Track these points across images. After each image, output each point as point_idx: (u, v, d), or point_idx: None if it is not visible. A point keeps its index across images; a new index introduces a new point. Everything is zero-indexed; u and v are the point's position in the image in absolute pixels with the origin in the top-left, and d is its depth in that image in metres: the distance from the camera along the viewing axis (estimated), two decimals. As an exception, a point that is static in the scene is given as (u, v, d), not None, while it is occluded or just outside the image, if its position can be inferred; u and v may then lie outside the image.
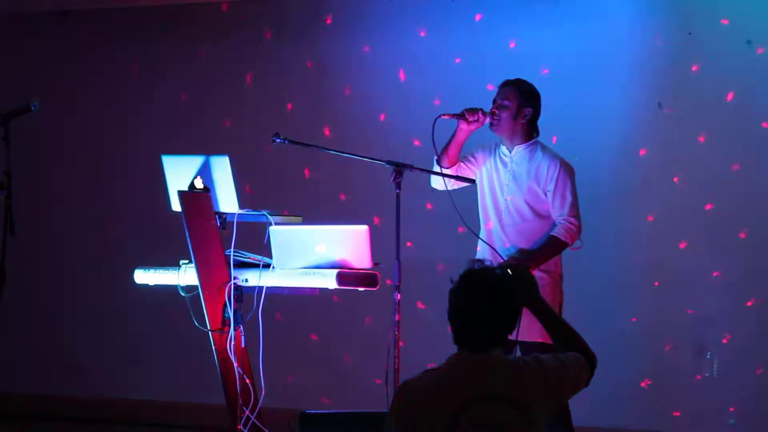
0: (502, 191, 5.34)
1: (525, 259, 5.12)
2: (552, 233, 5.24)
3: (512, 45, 6.92)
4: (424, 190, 6.54)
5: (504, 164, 5.37)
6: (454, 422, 3.13)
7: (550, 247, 5.23)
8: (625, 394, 6.60)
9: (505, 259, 5.17)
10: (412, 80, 7.13)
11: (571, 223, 5.23)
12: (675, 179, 6.64)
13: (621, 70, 6.75)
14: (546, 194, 5.28)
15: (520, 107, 5.33)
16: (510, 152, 5.37)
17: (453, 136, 5.35)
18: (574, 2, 6.84)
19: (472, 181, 5.34)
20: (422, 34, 7.14)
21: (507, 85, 5.41)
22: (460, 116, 5.30)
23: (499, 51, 6.92)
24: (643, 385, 6.63)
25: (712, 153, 6.57)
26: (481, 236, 5.36)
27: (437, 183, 5.39)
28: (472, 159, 5.44)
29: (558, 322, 3.48)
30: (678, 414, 6.57)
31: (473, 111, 5.29)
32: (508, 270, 3.45)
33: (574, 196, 5.28)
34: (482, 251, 5.35)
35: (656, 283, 6.65)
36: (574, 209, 5.26)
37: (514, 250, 5.25)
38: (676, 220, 6.63)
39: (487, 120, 5.31)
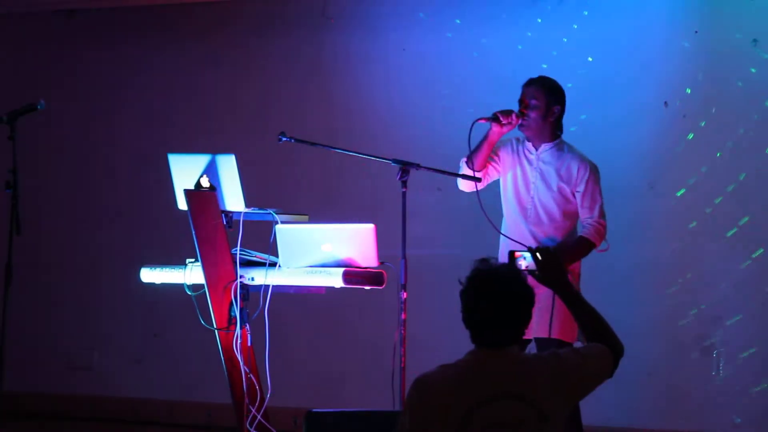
0: (527, 189, 5.31)
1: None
2: (582, 234, 5.25)
3: (518, 45, 6.92)
4: (430, 188, 6.54)
5: (530, 162, 5.33)
6: (468, 419, 3.14)
7: (580, 248, 5.24)
8: (630, 392, 6.58)
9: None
10: (418, 79, 7.12)
11: (600, 224, 5.25)
12: (681, 177, 6.63)
13: (627, 69, 6.74)
14: (574, 195, 5.27)
15: (548, 106, 5.30)
16: (536, 150, 5.33)
17: (485, 139, 5.29)
18: (579, 2, 6.83)
19: (479, 180, 5.31)
20: (427, 33, 7.14)
21: (532, 83, 5.35)
22: (494, 119, 5.24)
23: (504, 50, 6.92)
24: (648, 382, 6.62)
25: (717, 151, 6.56)
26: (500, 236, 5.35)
27: (465, 185, 5.34)
28: (495, 158, 5.38)
29: (585, 309, 3.45)
30: (683, 412, 6.56)
31: (507, 113, 5.24)
32: (537, 254, 3.46)
33: (602, 198, 5.29)
34: (504, 250, 5.30)
35: (662, 282, 6.64)
36: (602, 211, 5.28)
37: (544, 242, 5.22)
38: (683, 218, 6.62)
39: (519, 121, 5.27)
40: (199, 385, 7.38)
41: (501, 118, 5.23)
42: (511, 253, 3.67)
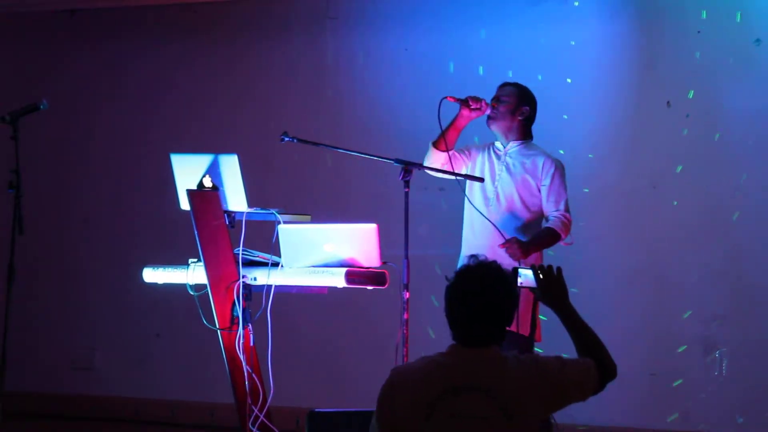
0: (492, 179, 5.39)
1: (521, 244, 5.16)
2: (549, 225, 5.33)
3: (520, 44, 6.91)
4: (432, 188, 6.54)
5: (498, 157, 5.45)
6: (431, 409, 3.16)
7: (546, 238, 5.32)
8: (633, 393, 6.59)
9: (507, 238, 5.21)
10: (420, 79, 7.12)
11: (566, 217, 5.33)
12: (684, 178, 6.63)
13: (630, 69, 6.74)
14: (540, 189, 5.36)
15: (519, 104, 5.43)
16: (504, 147, 5.45)
17: (453, 121, 5.42)
18: (582, 1, 6.82)
19: (481, 180, 5.33)
20: (430, 33, 7.13)
21: (506, 85, 5.54)
22: (464, 102, 5.38)
23: (507, 50, 6.91)
24: (651, 384, 6.62)
25: (721, 152, 6.56)
26: (464, 225, 5.43)
27: (432, 162, 5.41)
28: (466, 151, 5.51)
29: (582, 328, 3.46)
30: (686, 413, 6.56)
31: (477, 99, 5.39)
32: (539, 273, 3.47)
33: (567, 194, 5.39)
34: (469, 236, 5.39)
35: (664, 281, 6.64)
36: (568, 205, 5.37)
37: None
38: (684, 218, 6.62)
39: (488, 111, 5.41)
40: (202, 385, 7.39)
41: (471, 102, 5.37)
42: (515, 270, 3.67)
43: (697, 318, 6.57)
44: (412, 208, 5.05)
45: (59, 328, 7.87)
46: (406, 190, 5.03)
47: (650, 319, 6.64)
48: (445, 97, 5.33)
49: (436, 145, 5.42)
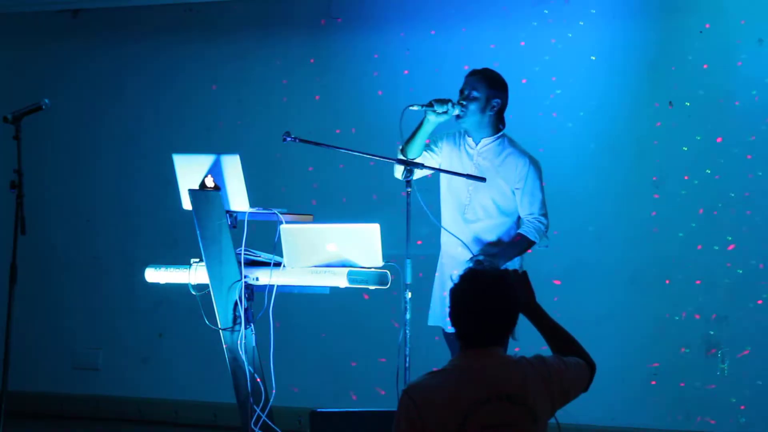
0: (465, 184, 5.22)
1: (494, 255, 5.07)
2: (521, 231, 5.18)
3: (522, 44, 6.91)
4: (434, 188, 6.54)
5: (470, 157, 5.27)
6: (463, 423, 3.14)
7: (517, 246, 5.16)
8: (635, 392, 6.59)
9: (474, 254, 5.11)
10: (422, 79, 7.12)
11: (540, 222, 5.17)
12: (686, 177, 6.63)
13: (632, 69, 6.74)
14: (514, 192, 5.21)
15: (488, 98, 5.22)
16: (476, 145, 5.27)
17: (420, 126, 5.24)
18: (584, 1, 6.82)
19: (483, 179, 5.23)
20: (432, 32, 7.13)
21: (474, 74, 5.29)
22: (429, 107, 5.18)
23: (509, 50, 6.91)
24: (653, 383, 6.62)
25: (723, 151, 6.56)
26: (442, 231, 5.32)
27: (398, 172, 5.23)
28: (435, 148, 5.34)
29: (554, 329, 3.48)
30: (688, 412, 6.55)
31: (442, 102, 5.17)
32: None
33: (543, 194, 5.22)
34: (446, 248, 5.30)
35: (667, 281, 6.64)
36: (544, 208, 5.20)
37: (478, 247, 5.19)
38: (687, 218, 6.62)
39: (456, 111, 5.20)
40: (205, 385, 7.39)
41: (436, 107, 5.16)
42: None
43: (700, 318, 6.57)
44: (413, 208, 5.04)
45: (62, 328, 7.87)
46: (408, 189, 5.01)
47: (651, 319, 6.64)
48: (409, 106, 5.15)
49: (404, 152, 5.23)
